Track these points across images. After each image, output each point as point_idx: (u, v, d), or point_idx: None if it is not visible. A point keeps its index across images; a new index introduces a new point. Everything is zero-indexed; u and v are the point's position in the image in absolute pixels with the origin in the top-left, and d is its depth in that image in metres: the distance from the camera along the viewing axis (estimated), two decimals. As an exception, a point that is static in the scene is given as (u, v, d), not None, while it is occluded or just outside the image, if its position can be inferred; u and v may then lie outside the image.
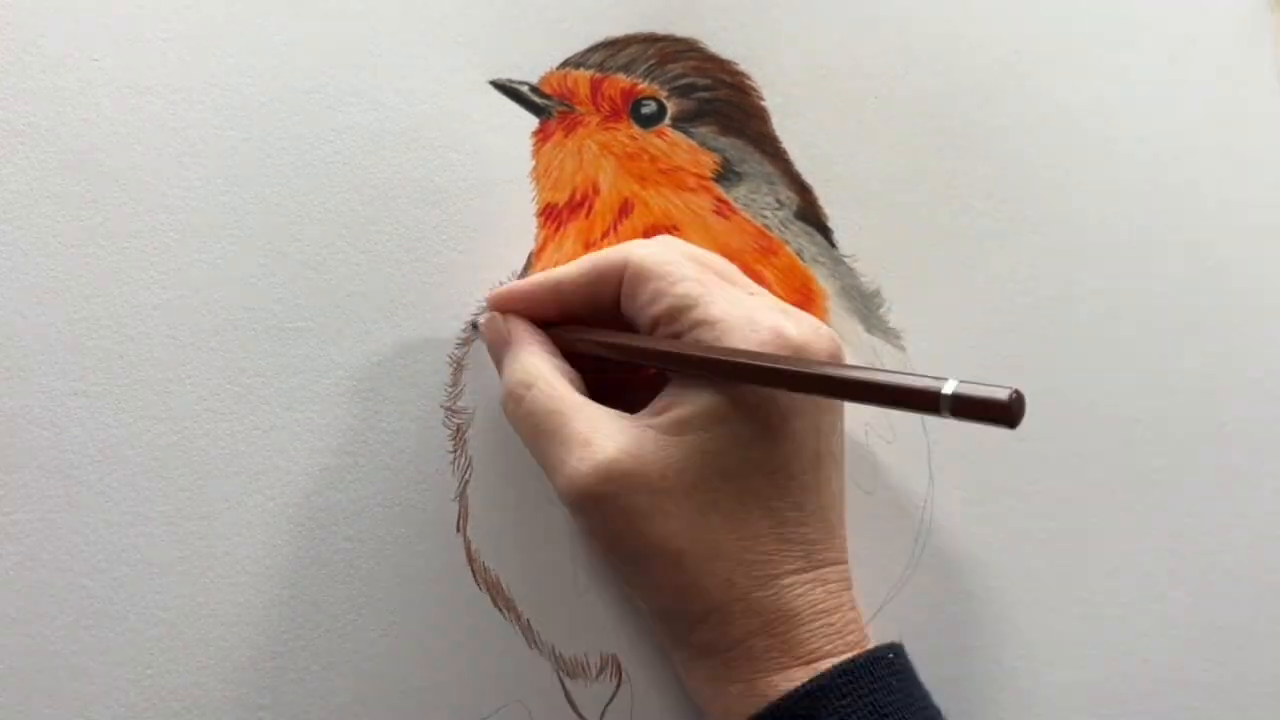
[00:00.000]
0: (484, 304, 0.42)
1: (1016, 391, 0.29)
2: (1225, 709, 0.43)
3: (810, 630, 0.35)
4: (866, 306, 0.44)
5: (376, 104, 0.42)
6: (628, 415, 0.36)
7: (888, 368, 0.31)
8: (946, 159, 0.45)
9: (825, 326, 0.37)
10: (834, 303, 0.44)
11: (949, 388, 0.30)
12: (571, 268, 0.39)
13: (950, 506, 0.43)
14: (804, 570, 0.35)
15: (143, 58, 0.41)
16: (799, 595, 0.35)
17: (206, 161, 0.41)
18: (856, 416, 0.43)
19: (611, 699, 0.41)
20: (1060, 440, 0.44)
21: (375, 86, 0.42)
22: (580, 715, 0.41)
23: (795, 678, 0.34)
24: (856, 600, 0.37)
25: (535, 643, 0.41)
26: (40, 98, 0.40)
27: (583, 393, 0.38)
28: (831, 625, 0.35)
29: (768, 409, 0.35)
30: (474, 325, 0.42)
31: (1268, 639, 0.43)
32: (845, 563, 0.37)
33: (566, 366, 0.39)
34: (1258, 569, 0.44)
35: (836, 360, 0.37)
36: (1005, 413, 0.29)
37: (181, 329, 0.40)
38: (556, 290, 0.39)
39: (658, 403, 0.36)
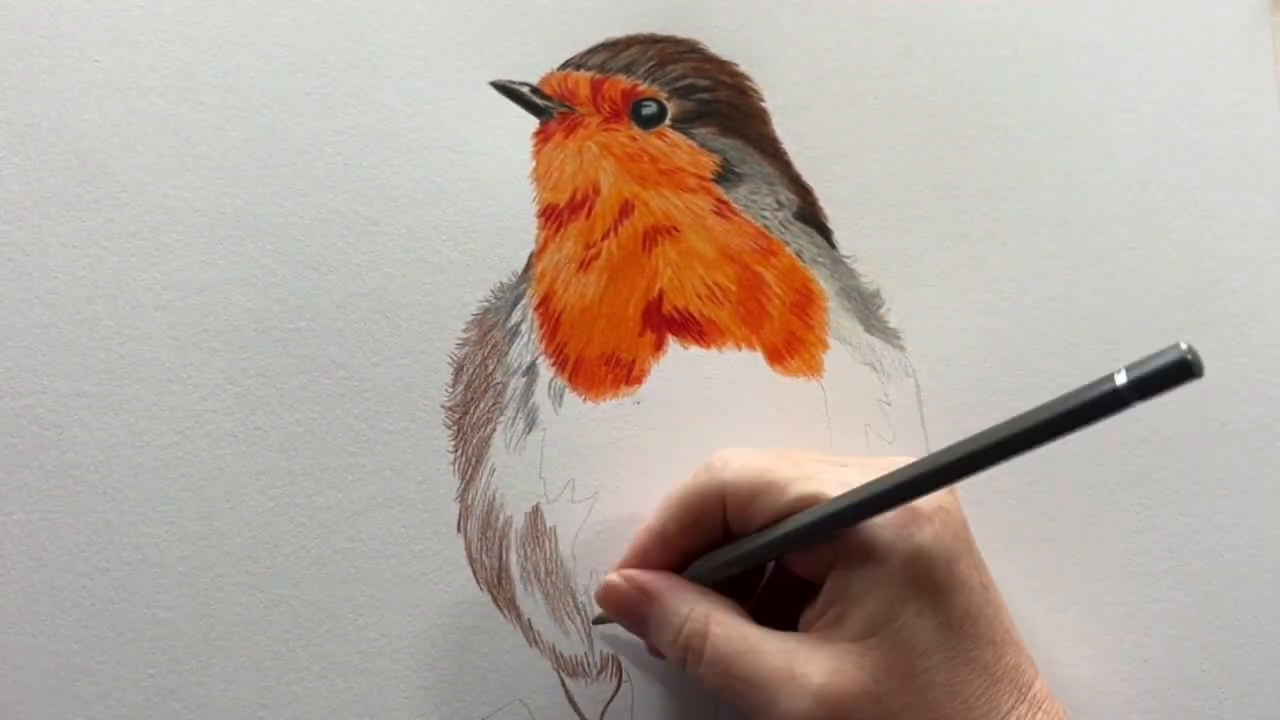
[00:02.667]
0: (487, 302, 0.42)
1: (1189, 348, 0.28)
2: (1225, 709, 0.43)
3: None
4: (866, 307, 0.44)
5: (377, 104, 0.42)
6: (806, 635, 0.35)
7: (1059, 400, 0.31)
8: (946, 159, 0.45)
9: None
10: (834, 303, 0.44)
11: (1121, 378, 0.29)
12: (665, 512, 0.38)
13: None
14: (1020, 702, 0.35)
15: (143, 58, 0.41)
16: None
17: (206, 161, 0.41)
18: (857, 415, 0.43)
19: (611, 698, 0.41)
20: (1060, 440, 0.44)
21: (375, 87, 0.42)
22: (580, 715, 0.41)
23: None
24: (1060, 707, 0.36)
25: (535, 643, 0.41)
26: (40, 98, 0.40)
27: (747, 619, 0.36)
28: None
29: (932, 567, 0.35)
30: (597, 621, 0.41)
31: (1268, 639, 0.43)
32: (1039, 672, 0.37)
33: (718, 595, 0.37)
34: (1258, 569, 0.44)
35: (955, 510, 0.36)
36: (1186, 368, 0.28)
37: (182, 329, 0.40)
38: (663, 540, 0.38)
39: (825, 611, 0.35)
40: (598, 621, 0.41)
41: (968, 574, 0.35)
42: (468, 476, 0.41)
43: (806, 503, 0.35)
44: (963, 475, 0.33)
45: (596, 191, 0.43)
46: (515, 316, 0.42)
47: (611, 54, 0.44)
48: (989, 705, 0.34)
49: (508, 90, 0.43)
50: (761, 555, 0.36)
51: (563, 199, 0.43)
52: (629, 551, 0.39)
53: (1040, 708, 0.35)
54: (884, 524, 0.35)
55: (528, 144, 0.43)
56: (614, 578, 0.38)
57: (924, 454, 0.43)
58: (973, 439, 0.32)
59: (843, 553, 0.35)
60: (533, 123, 0.43)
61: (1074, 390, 0.30)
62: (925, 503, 0.35)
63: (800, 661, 0.34)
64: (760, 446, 0.39)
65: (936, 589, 0.34)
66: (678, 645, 0.36)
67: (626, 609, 0.38)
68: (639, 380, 0.42)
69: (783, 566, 0.38)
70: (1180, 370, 0.28)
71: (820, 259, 0.44)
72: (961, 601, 0.35)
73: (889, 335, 0.44)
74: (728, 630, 0.35)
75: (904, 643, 0.34)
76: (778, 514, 0.36)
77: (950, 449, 0.32)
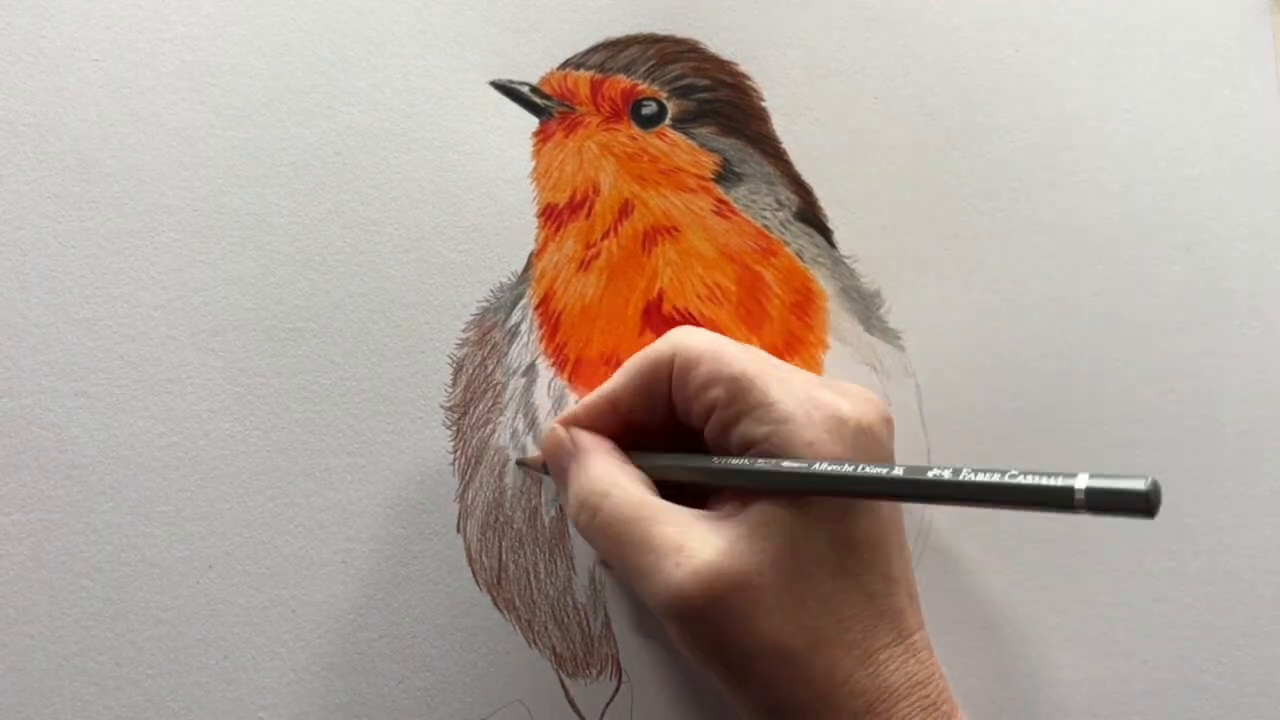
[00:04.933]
0: (487, 302, 0.42)
1: (1154, 482, 0.27)
2: (1225, 709, 0.43)
3: (910, 704, 0.34)
4: (866, 307, 0.44)
5: (377, 104, 0.42)
6: (708, 514, 0.36)
7: (1014, 469, 0.30)
8: (946, 159, 0.45)
9: (874, 396, 0.37)
10: (834, 303, 0.44)
11: (1081, 483, 0.28)
12: (620, 376, 0.38)
13: (950, 506, 0.43)
14: (896, 643, 0.35)
15: (143, 58, 0.41)
16: (895, 670, 0.34)
17: (206, 161, 0.41)
18: (856, 416, 0.43)
19: (611, 699, 0.41)
20: (1059, 440, 0.44)
21: (375, 87, 0.42)
22: (580, 715, 0.41)
23: None
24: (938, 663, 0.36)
25: (535, 643, 0.41)
26: (40, 98, 0.40)
27: (656, 495, 0.36)
28: (927, 697, 0.35)
29: None
30: (520, 463, 0.41)
31: (1268, 639, 0.43)
32: (923, 627, 0.36)
33: (637, 470, 0.37)
34: (1257, 569, 0.44)
35: (890, 426, 0.37)
36: (1144, 504, 0.27)
37: (181, 329, 0.40)
38: (613, 404, 0.38)
39: (730, 499, 0.36)
40: (520, 464, 0.42)
41: (881, 504, 0.35)
42: (468, 476, 0.41)
43: (739, 381, 0.36)
44: (929, 500, 0.33)
45: (596, 191, 0.43)
46: (515, 317, 0.42)
47: (611, 54, 0.44)
48: (864, 633, 0.34)
49: (508, 90, 0.43)
50: (706, 479, 0.36)
51: (563, 199, 0.43)
52: (579, 408, 0.39)
53: (915, 655, 0.35)
54: (805, 423, 0.35)
55: (528, 144, 0.43)
56: (558, 427, 0.39)
57: (925, 452, 0.43)
58: (922, 472, 0.32)
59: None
60: (533, 123, 0.43)
61: (1037, 473, 0.30)
62: (851, 413, 0.35)
63: (692, 537, 0.34)
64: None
65: (843, 502, 0.35)
66: (578, 500, 0.37)
67: (554, 458, 0.39)
68: (639, 380, 0.42)
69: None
70: (1137, 503, 0.27)
71: (820, 259, 0.44)
72: (864, 524, 0.35)
73: (889, 335, 0.44)
74: (627, 495, 0.36)
75: (795, 543, 0.34)
76: (716, 379, 0.36)
77: (895, 470, 0.32)
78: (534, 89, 0.43)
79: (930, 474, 0.32)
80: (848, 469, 0.33)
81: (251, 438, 0.40)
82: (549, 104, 0.43)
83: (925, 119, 0.45)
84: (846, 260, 0.44)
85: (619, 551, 0.35)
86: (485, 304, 0.42)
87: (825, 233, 0.44)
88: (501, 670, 0.41)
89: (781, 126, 0.44)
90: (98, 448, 0.39)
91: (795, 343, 0.43)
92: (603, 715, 0.41)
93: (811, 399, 0.35)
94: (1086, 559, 0.43)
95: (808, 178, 0.44)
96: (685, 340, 0.37)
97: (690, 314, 0.43)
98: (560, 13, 0.44)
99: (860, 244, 0.44)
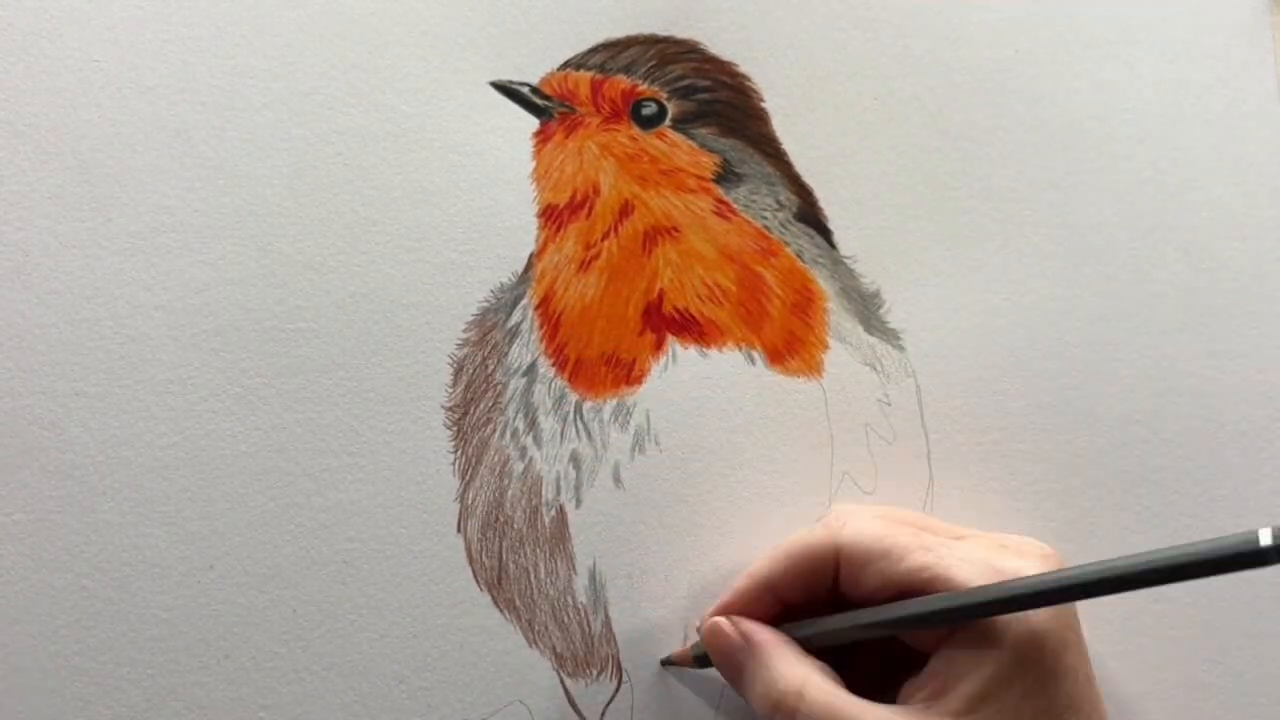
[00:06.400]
0: (487, 302, 0.42)
1: None
2: (1225, 709, 0.43)
3: None
4: (866, 307, 0.44)
5: (377, 105, 0.42)
6: (904, 708, 0.35)
7: (1195, 543, 0.30)
8: (946, 159, 0.45)
9: (1048, 550, 0.37)
10: (834, 304, 0.44)
11: (1266, 538, 0.28)
12: (776, 563, 0.38)
13: (950, 506, 0.43)
14: None
15: (143, 58, 0.41)
16: None
17: (206, 161, 0.41)
18: (857, 415, 0.43)
19: (611, 699, 0.41)
20: (1060, 440, 0.44)
21: (375, 87, 0.42)
22: (580, 715, 0.41)
23: None
24: None
25: (535, 643, 0.41)
26: (40, 98, 0.40)
27: (844, 688, 0.36)
28: None
29: (1043, 652, 0.35)
30: (666, 662, 0.41)
31: (1267, 639, 0.43)
32: None
33: (822, 662, 0.37)
34: (1258, 570, 0.43)
35: None
36: None
37: (182, 329, 0.40)
38: (769, 590, 0.38)
39: (929, 684, 0.35)
40: (667, 663, 0.41)
41: (1075, 663, 0.35)
42: (468, 476, 0.41)
43: (921, 574, 0.35)
44: (1094, 595, 0.33)
45: (596, 192, 0.43)
46: (515, 317, 0.42)
47: (611, 54, 0.44)
48: None
49: (508, 90, 0.43)
50: (877, 631, 0.36)
51: (563, 199, 0.43)
52: (732, 594, 0.39)
53: None
54: None
55: (528, 144, 0.43)
56: (722, 622, 0.38)
57: (925, 452, 0.43)
58: (1108, 565, 0.32)
59: (955, 628, 0.35)
60: (533, 123, 0.43)
61: (1218, 540, 0.30)
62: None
63: None
64: (876, 506, 0.41)
65: (1044, 674, 0.34)
66: (769, 701, 0.36)
67: (726, 653, 0.38)
68: (639, 380, 0.42)
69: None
70: None
71: (820, 259, 0.44)
72: (1065, 689, 0.35)
73: (889, 335, 0.44)
74: (824, 695, 0.35)
75: None
76: (891, 581, 0.36)
77: (1084, 569, 0.33)
78: (534, 89, 0.43)
79: (1119, 565, 0.31)
80: (1034, 581, 0.33)
81: (251, 438, 0.40)
82: (549, 104, 0.43)
83: (925, 119, 0.45)
84: (846, 260, 0.44)
85: None
86: (485, 304, 0.42)
87: (825, 233, 0.44)
88: (501, 670, 0.41)
89: (781, 127, 0.44)
90: (98, 448, 0.39)
91: (795, 343, 0.43)
92: (603, 715, 0.41)
93: (993, 569, 0.35)
94: (1086, 559, 0.43)
95: (808, 178, 0.44)
96: (848, 536, 0.37)
97: (690, 314, 0.43)
98: (560, 13, 0.44)
99: (860, 244, 0.44)
